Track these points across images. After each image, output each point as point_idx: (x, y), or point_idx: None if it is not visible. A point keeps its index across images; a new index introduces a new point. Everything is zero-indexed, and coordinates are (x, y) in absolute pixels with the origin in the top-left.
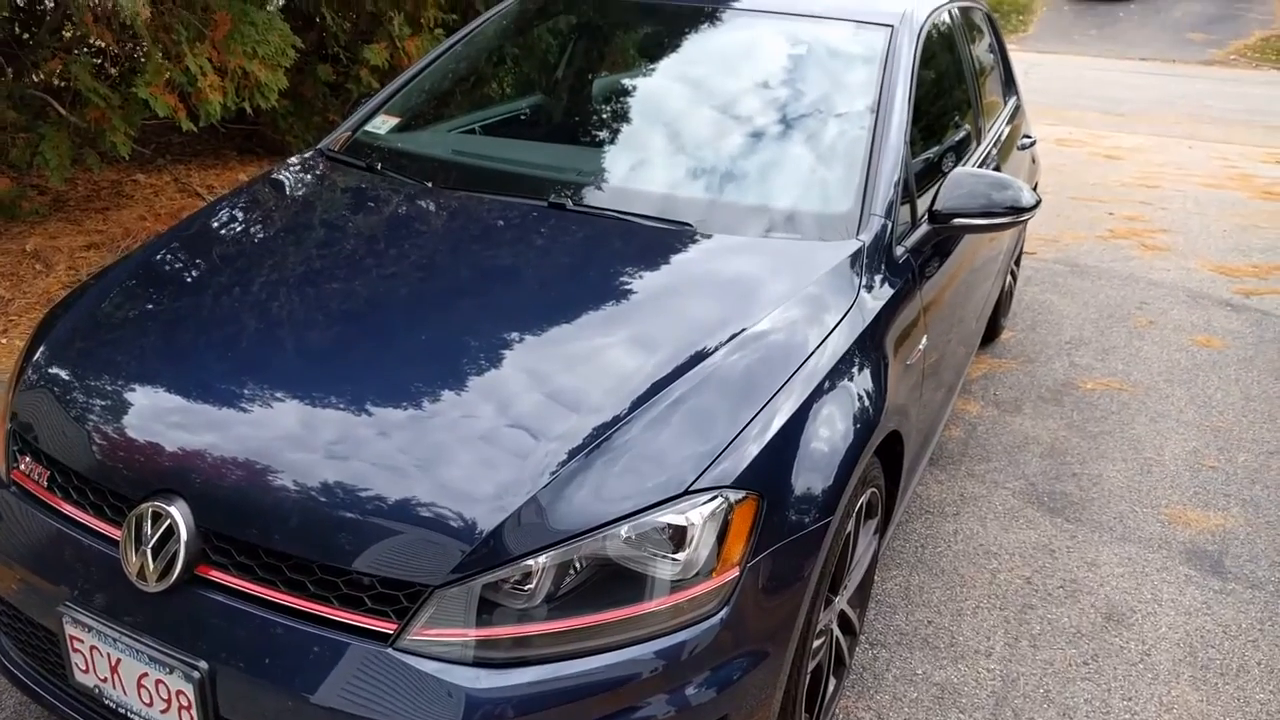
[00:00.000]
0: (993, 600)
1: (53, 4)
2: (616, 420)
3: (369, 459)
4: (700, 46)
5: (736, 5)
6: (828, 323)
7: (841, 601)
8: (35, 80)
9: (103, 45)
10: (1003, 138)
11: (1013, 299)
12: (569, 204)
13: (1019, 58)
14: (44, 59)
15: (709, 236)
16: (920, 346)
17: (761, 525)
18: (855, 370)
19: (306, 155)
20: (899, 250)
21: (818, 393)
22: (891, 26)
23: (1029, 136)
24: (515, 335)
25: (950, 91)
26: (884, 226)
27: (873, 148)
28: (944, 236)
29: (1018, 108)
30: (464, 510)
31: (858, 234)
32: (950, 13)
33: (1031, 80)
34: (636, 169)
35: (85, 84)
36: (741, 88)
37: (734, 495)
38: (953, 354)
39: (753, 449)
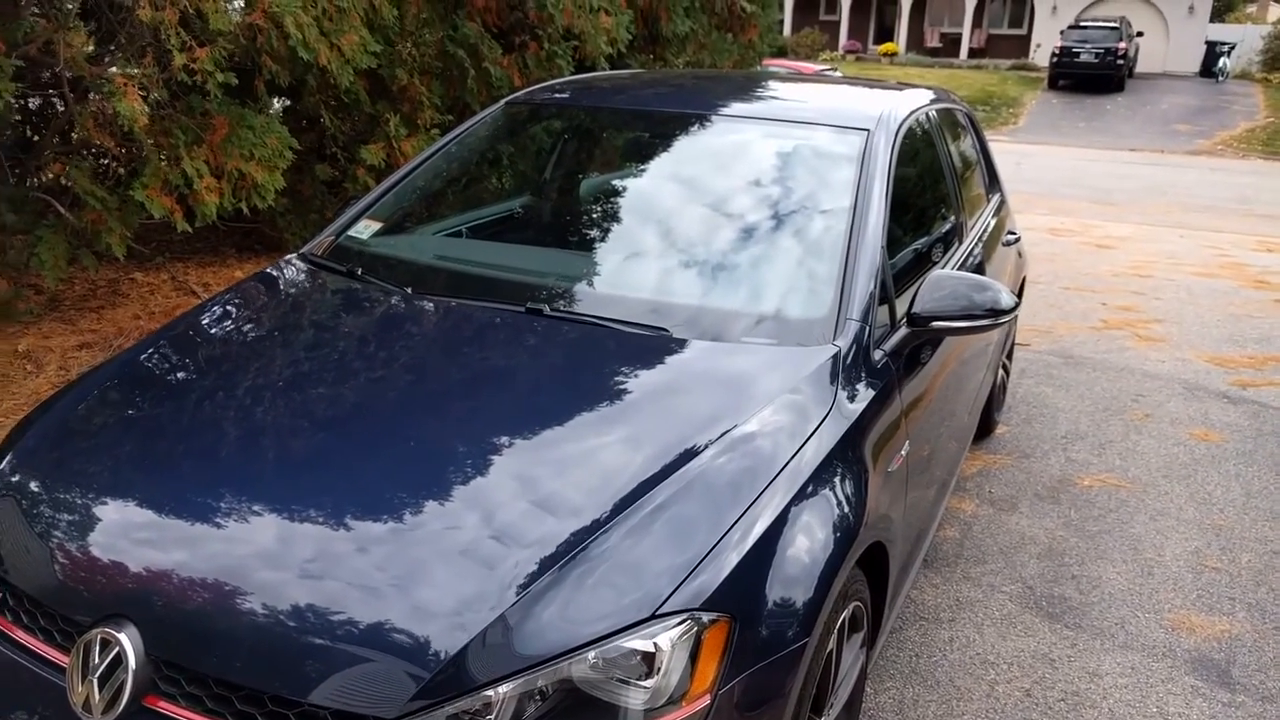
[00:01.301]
0: (991, 715)
1: (62, 108)
2: (595, 528)
3: (328, 580)
4: (680, 153)
5: (718, 112)
6: (803, 432)
7: None
8: (39, 182)
9: (105, 149)
10: (986, 234)
11: (1006, 393)
12: (546, 310)
13: (1010, 149)
14: (48, 161)
15: (684, 342)
16: (902, 452)
17: (734, 648)
18: (833, 481)
19: (290, 260)
20: (877, 354)
21: (793, 507)
22: (868, 130)
23: (1013, 233)
24: (491, 444)
25: (930, 192)
26: (861, 330)
27: (849, 252)
28: (924, 339)
29: (1001, 204)
30: (426, 634)
31: (834, 339)
32: (929, 114)
33: (1024, 171)
34: (614, 274)
35: (83, 187)
36: (719, 194)
37: (706, 617)
38: (944, 451)
39: (726, 567)
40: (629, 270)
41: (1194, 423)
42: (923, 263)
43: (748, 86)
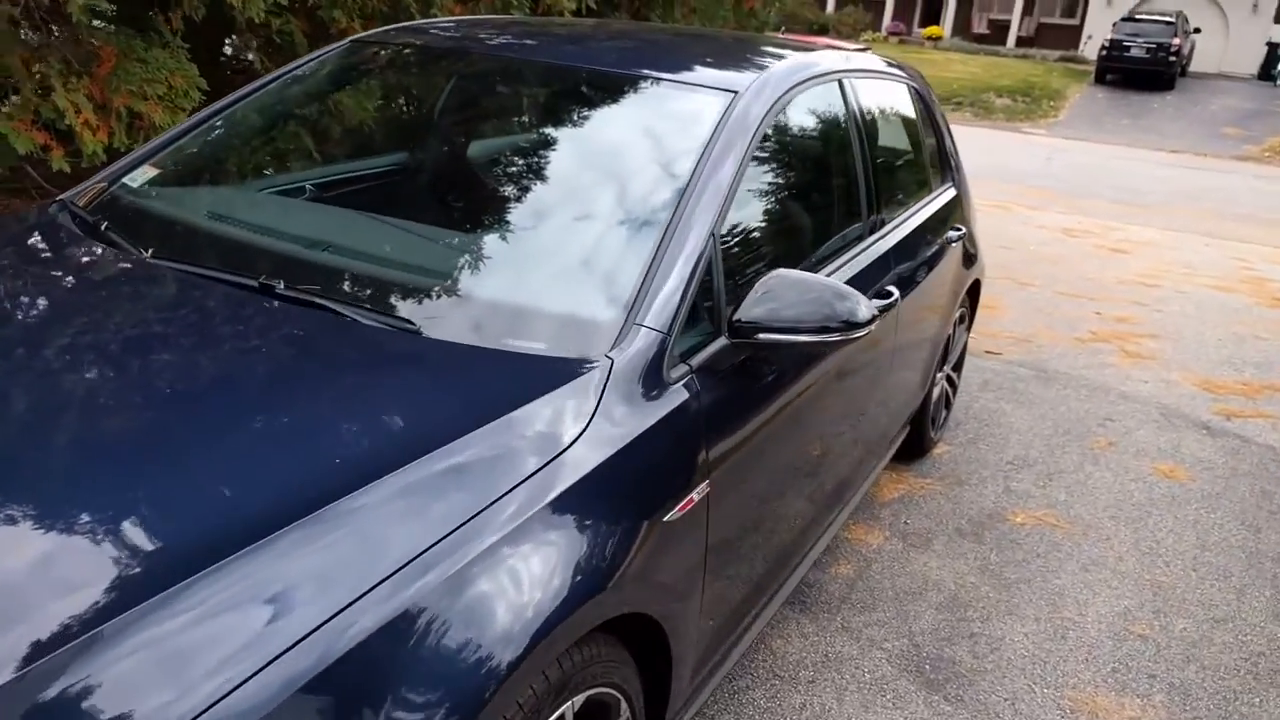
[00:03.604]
0: None
1: None
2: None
3: None
4: (506, 111)
5: (573, 63)
6: (522, 469)
7: None
8: None
9: None
10: (912, 231)
11: (951, 408)
12: (280, 287)
13: (1044, 143)
14: None
15: (429, 342)
16: (695, 495)
17: None
18: (557, 535)
19: (47, 207)
20: (679, 370)
21: (475, 570)
22: (734, 93)
23: (958, 228)
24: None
25: (834, 176)
26: (654, 340)
27: (663, 241)
28: (751, 355)
29: (953, 197)
30: None
31: (611, 348)
32: (846, 82)
33: (1052, 167)
34: (383, 250)
35: None
36: (536, 162)
37: None
38: (830, 470)
39: (329, 673)
40: (402, 246)
41: (1161, 455)
42: (798, 260)
43: (626, 37)
